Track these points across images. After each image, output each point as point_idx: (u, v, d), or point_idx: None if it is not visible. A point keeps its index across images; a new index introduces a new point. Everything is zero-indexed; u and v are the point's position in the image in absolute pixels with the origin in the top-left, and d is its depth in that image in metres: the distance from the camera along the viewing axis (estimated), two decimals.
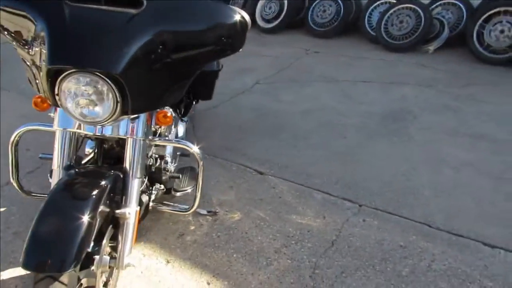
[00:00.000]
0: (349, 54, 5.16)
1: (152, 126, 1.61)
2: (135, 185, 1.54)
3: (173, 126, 2.24)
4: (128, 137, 1.51)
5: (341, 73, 4.46)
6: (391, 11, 5.24)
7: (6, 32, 1.39)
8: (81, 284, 1.39)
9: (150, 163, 1.95)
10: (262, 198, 2.37)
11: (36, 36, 1.27)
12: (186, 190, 2.05)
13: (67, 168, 1.51)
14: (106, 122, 1.35)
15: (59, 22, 1.24)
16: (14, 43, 1.40)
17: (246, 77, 4.32)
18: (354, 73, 4.43)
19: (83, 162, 1.72)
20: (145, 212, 1.87)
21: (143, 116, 1.52)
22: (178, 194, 2.04)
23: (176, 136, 2.34)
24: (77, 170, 1.48)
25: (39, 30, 1.24)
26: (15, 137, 1.59)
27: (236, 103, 3.68)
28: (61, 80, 1.24)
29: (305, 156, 2.80)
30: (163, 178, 1.95)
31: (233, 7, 1.59)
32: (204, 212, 2.23)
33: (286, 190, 2.44)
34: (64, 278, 1.30)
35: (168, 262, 1.93)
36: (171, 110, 1.64)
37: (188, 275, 1.85)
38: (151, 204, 1.88)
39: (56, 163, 1.51)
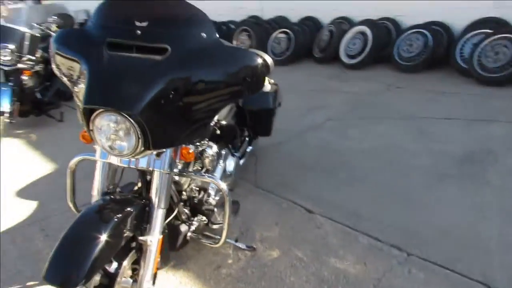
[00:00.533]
0: (436, 88, 4.83)
1: (180, 161, 1.73)
2: (159, 215, 1.63)
3: (221, 161, 2.34)
4: (154, 170, 1.63)
5: (421, 109, 4.20)
6: (486, 41, 4.83)
7: (60, 73, 1.62)
8: None
9: (193, 195, 2.07)
10: (305, 238, 2.32)
11: (81, 77, 1.46)
12: (220, 223, 2.11)
13: (103, 194, 1.68)
14: (131, 156, 1.48)
15: (97, 67, 1.42)
16: (67, 82, 1.62)
17: (319, 113, 4.31)
18: (437, 109, 4.14)
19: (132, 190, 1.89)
20: (183, 242, 1.97)
21: (168, 151, 1.63)
22: (214, 226, 2.10)
23: (224, 171, 2.42)
24: (111, 197, 1.64)
25: (83, 72, 1.44)
26: (72, 164, 1.82)
27: (302, 139, 3.68)
28: (94, 117, 1.42)
29: (360, 197, 2.68)
30: (204, 210, 2.05)
31: (256, 51, 1.66)
32: (243, 246, 2.25)
33: (331, 231, 2.35)
34: None
35: None
36: (193, 147, 1.72)
37: None
38: (189, 234, 1.97)
39: (96, 190, 1.69)
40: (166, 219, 1.69)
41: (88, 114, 1.43)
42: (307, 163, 3.21)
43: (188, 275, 2.12)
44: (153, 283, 1.64)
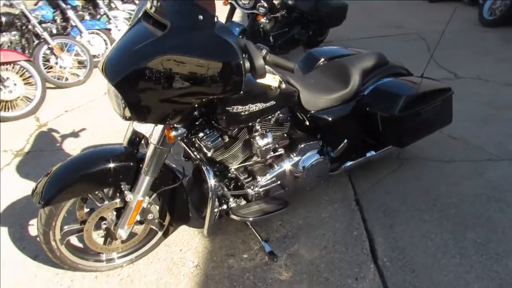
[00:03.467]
0: None
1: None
2: (145, 181, 1.78)
3: (294, 153, 2.17)
4: (150, 140, 1.74)
5: None
6: None
7: None
8: None
9: (238, 177, 2.07)
10: None
11: None
12: (237, 216, 2.04)
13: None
14: (124, 119, 1.62)
15: (120, 35, 1.60)
16: None
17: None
18: None
19: None
20: (211, 215, 2.02)
21: (160, 128, 1.69)
22: (233, 216, 2.05)
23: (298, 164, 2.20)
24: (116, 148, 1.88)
25: None
26: None
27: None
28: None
29: None
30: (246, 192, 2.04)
31: (257, 46, 1.45)
32: (267, 249, 2.11)
33: None
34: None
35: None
36: (179, 129, 1.68)
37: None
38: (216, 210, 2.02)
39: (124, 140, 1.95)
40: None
41: None
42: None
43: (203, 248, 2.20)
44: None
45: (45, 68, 4.87)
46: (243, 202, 2.14)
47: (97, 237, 1.96)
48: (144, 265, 2.10)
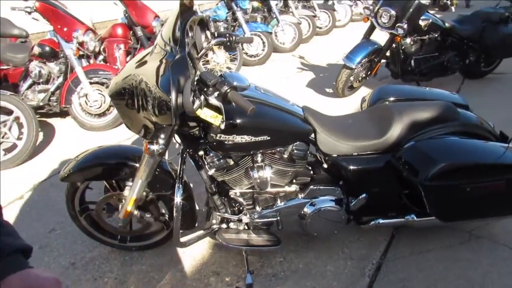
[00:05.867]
0: None
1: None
2: (138, 183, 1.98)
3: (301, 195, 2.10)
4: None
5: None
6: None
7: None
8: None
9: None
10: None
11: None
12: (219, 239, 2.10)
13: None
14: None
15: None
16: None
17: None
18: None
19: None
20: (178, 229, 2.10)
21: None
22: (217, 237, 2.11)
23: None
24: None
25: None
26: None
27: None
28: None
29: None
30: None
31: (222, 82, 1.53)
32: (247, 281, 2.07)
33: None
34: None
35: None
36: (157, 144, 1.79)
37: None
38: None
39: None
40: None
41: None
42: None
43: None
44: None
45: (202, 62, 5.62)
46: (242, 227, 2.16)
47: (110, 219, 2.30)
48: (145, 255, 2.35)
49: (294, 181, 2.14)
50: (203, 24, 2.07)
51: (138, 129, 1.77)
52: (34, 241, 2.49)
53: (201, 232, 2.13)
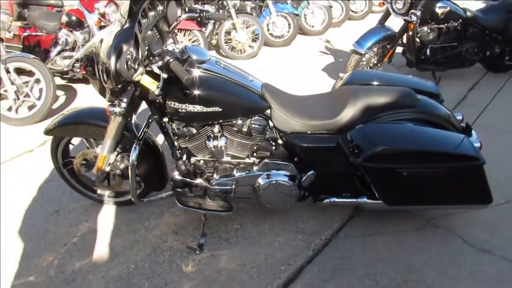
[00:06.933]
0: None
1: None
2: (107, 142, 2.17)
3: (255, 167, 2.22)
4: None
5: None
6: None
7: None
8: None
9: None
10: None
11: None
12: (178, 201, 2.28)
13: None
14: None
15: None
16: None
17: None
18: None
19: None
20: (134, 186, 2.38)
21: None
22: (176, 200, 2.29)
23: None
24: None
25: None
26: None
27: None
28: None
29: None
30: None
31: (166, 52, 1.70)
32: (198, 241, 2.25)
33: None
34: None
35: None
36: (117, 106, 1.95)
37: None
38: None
39: None
40: None
41: None
42: None
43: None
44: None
45: (225, 40, 5.76)
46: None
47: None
48: (120, 210, 2.58)
49: (255, 154, 2.26)
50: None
51: (102, 93, 1.96)
52: (31, 189, 2.81)
53: (160, 193, 2.32)
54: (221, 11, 5.83)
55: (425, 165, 1.90)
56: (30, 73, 3.86)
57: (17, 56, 3.83)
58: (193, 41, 5.20)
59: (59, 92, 4.59)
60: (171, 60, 1.73)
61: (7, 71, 3.72)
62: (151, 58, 1.79)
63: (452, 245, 2.21)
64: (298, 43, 6.47)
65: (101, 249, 2.28)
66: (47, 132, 2.33)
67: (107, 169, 2.33)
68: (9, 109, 3.83)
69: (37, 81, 3.87)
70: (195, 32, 5.14)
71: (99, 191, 2.60)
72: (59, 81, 4.77)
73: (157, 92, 1.77)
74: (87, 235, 2.39)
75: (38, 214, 2.57)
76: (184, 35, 5.18)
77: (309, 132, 2.12)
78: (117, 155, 2.31)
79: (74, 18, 4.48)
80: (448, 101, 3.87)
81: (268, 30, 6.25)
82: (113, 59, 1.62)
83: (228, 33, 5.77)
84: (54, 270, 2.15)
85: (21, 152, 3.36)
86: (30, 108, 3.90)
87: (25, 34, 4.62)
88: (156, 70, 1.77)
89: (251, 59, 5.85)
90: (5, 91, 3.77)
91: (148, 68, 1.82)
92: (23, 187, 2.86)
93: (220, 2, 5.81)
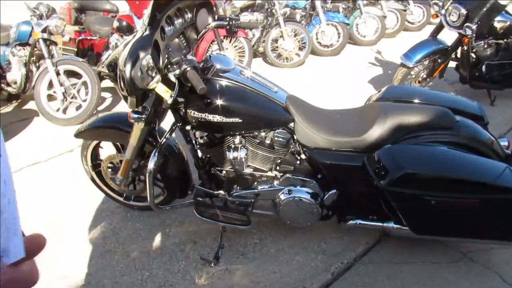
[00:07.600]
0: None
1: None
2: (130, 147, 2.21)
3: (276, 182, 2.15)
4: None
5: None
6: None
7: None
8: None
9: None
10: None
11: None
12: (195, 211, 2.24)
13: None
14: None
15: None
16: None
17: None
18: None
19: None
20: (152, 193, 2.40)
21: None
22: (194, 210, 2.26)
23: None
24: None
25: None
26: None
27: None
28: None
29: None
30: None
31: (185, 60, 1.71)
32: (213, 254, 2.21)
33: None
34: None
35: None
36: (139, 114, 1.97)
37: None
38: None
39: None
40: None
41: None
42: None
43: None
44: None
45: (271, 48, 5.73)
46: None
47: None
48: (143, 215, 2.60)
49: (278, 168, 2.18)
50: (210, 7, 2.20)
51: (125, 99, 1.97)
52: (69, 187, 2.91)
53: (180, 201, 2.30)
54: (270, 19, 5.81)
55: (458, 195, 1.72)
56: (79, 76, 4.05)
57: (66, 59, 4.02)
58: (238, 48, 5.22)
59: (106, 95, 4.77)
60: (188, 68, 1.70)
61: (57, 73, 3.91)
62: (169, 66, 1.77)
63: (488, 282, 1.99)
64: (347, 53, 6.29)
65: (119, 254, 2.29)
66: (77, 135, 2.39)
67: (131, 174, 2.35)
68: (57, 110, 4.01)
69: (84, 83, 4.04)
70: (241, 39, 5.15)
71: (125, 195, 2.63)
72: (109, 83, 4.96)
73: (170, 101, 1.75)
74: (108, 238, 2.42)
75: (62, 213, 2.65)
76: (230, 42, 5.20)
77: (334, 148, 2.01)
78: (141, 161, 2.33)
79: (124, 23, 4.64)
80: (500, 123, 3.61)
81: (317, 38, 6.14)
82: (128, 66, 1.61)
83: (275, 40, 5.74)
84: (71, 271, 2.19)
85: (61, 152, 3.49)
86: (77, 109, 4.07)
87: (80, 38, 4.86)
88: (172, 78, 1.76)
89: (297, 67, 5.77)
90: (54, 92, 3.96)
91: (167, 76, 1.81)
92: (52, 188, 2.96)
93: (269, 10, 5.80)
